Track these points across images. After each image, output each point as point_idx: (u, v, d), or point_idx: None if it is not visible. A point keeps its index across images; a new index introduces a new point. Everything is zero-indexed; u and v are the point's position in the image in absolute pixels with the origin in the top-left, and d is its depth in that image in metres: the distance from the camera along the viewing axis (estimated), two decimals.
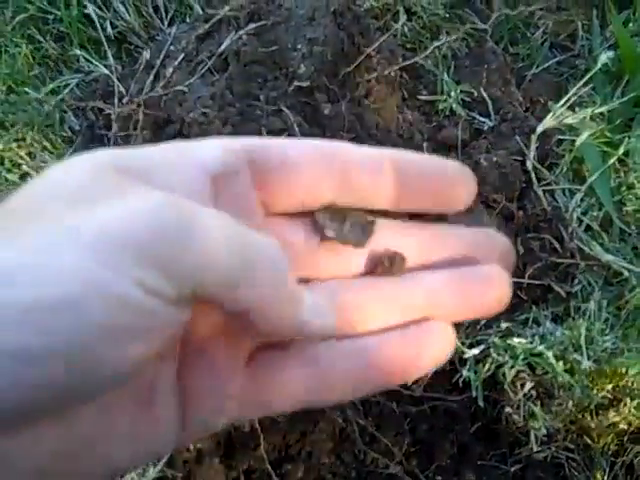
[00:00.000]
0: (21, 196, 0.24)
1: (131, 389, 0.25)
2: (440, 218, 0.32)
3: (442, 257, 0.30)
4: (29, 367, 0.20)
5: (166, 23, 1.00)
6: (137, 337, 0.22)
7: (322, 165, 0.29)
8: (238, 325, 0.27)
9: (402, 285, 0.30)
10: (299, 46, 0.83)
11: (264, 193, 0.29)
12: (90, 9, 0.95)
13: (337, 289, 0.29)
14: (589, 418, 0.75)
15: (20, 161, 0.86)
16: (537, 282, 0.81)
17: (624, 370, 0.74)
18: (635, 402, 0.74)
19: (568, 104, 0.87)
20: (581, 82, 0.89)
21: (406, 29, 0.97)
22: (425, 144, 0.88)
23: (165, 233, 0.22)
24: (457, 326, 0.80)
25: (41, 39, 0.97)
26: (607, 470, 0.76)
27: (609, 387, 0.75)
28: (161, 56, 0.88)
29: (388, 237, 0.30)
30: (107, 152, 0.26)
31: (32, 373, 0.20)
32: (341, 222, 0.29)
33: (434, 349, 0.29)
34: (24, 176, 0.84)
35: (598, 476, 0.75)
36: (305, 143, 0.30)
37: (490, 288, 0.29)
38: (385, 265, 0.30)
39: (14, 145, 0.87)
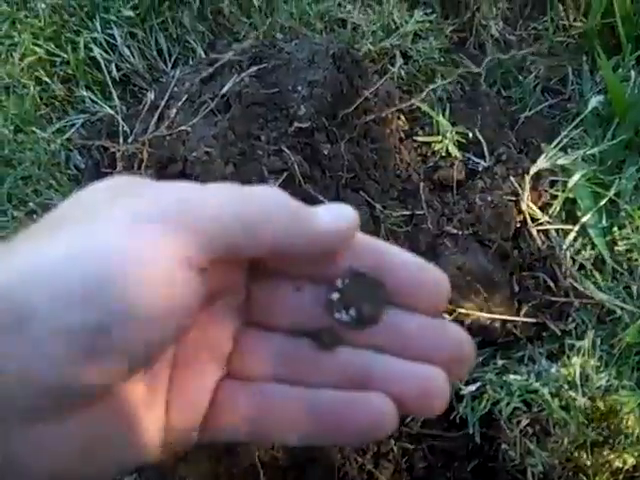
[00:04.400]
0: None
1: (138, 396, 0.28)
2: None
3: (393, 340, 0.30)
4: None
5: (169, 66, 1.03)
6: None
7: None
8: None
9: (340, 356, 0.31)
10: (299, 88, 0.85)
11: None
12: (96, 52, 0.98)
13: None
14: (585, 456, 0.76)
15: (27, 198, 0.88)
16: (532, 320, 0.82)
17: (619, 407, 0.75)
18: (629, 440, 0.75)
19: (560, 146, 0.90)
20: (572, 124, 0.92)
21: (402, 72, 1.00)
22: (422, 184, 0.90)
23: (188, 205, 0.27)
24: None
25: (48, 81, 0.99)
26: None
27: (604, 424, 0.75)
28: (165, 97, 0.90)
29: None
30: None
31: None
32: (355, 305, 0.30)
33: (375, 417, 0.29)
34: (30, 213, 0.86)
35: None
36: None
37: (424, 393, 0.29)
38: (318, 339, 0.31)
39: (21, 183, 0.89)
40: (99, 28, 1.01)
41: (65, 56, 1.00)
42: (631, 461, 0.76)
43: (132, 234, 0.25)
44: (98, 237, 0.25)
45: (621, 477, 0.76)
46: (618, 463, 0.75)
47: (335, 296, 0.31)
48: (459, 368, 0.30)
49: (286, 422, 0.30)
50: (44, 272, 0.24)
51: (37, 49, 1.00)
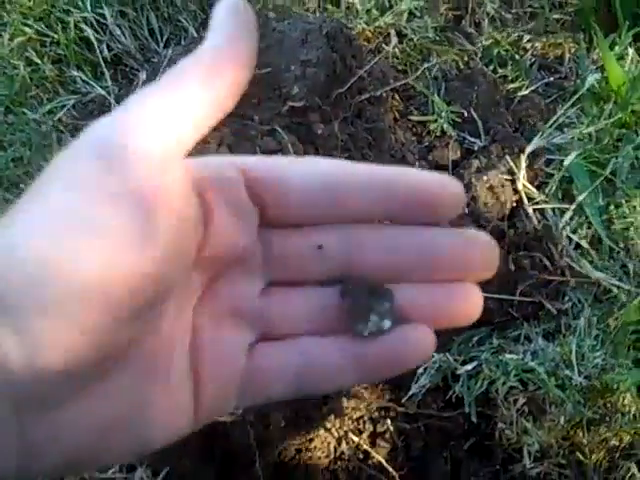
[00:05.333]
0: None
1: (151, 370, 0.28)
2: None
3: (419, 264, 0.31)
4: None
5: (161, 45, 1.02)
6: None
7: (312, 179, 0.31)
8: None
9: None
10: (292, 68, 0.84)
11: (256, 200, 0.30)
12: (87, 32, 0.97)
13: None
14: (581, 434, 0.76)
15: (18, 180, 0.87)
16: (528, 299, 0.82)
17: (615, 386, 0.75)
18: (626, 418, 0.75)
19: (557, 125, 0.89)
20: (569, 103, 0.91)
21: (397, 51, 0.99)
22: (417, 164, 0.89)
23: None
24: (449, 342, 0.81)
25: (38, 61, 0.98)
26: None
27: (600, 403, 0.76)
28: (157, 78, 0.89)
29: (365, 239, 0.31)
30: None
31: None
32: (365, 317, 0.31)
33: (417, 348, 0.30)
34: (22, 195, 0.85)
35: None
36: (295, 161, 0.32)
37: (459, 309, 0.31)
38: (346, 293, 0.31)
39: (12, 165, 0.88)
40: (89, 7, 0.99)
41: (55, 36, 0.99)
42: (627, 439, 0.76)
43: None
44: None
45: (617, 455, 0.77)
46: (614, 441, 0.76)
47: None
48: (486, 271, 0.31)
49: (333, 372, 0.30)
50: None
51: (27, 29, 0.99)
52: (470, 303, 0.31)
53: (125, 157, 0.25)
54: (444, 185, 0.31)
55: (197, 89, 0.26)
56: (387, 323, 0.30)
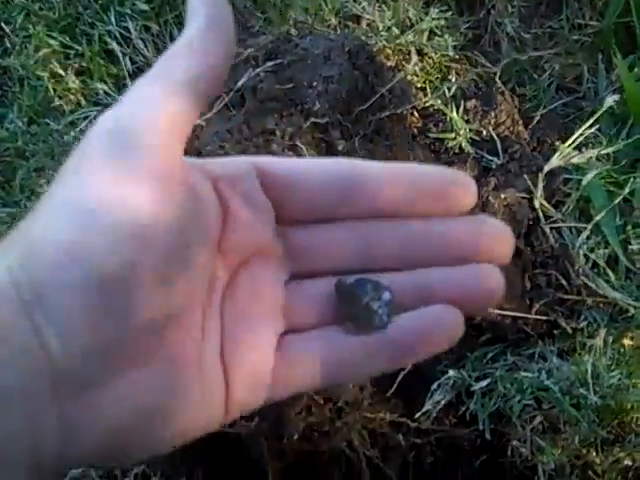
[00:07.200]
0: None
1: (182, 359, 0.28)
2: None
3: (435, 253, 0.32)
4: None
5: None
6: None
7: (326, 176, 0.32)
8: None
9: (394, 282, 0.32)
10: (315, 84, 0.85)
11: (272, 196, 0.32)
12: (111, 45, 0.99)
13: None
14: (594, 454, 0.76)
15: (40, 190, 0.88)
16: (543, 317, 0.82)
17: (629, 406, 0.75)
18: (639, 439, 0.75)
19: (575, 144, 0.90)
20: (587, 123, 0.91)
21: (417, 69, 1.00)
22: None
23: None
24: (463, 359, 0.80)
25: (62, 73, 1.00)
26: None
27: (614, 423, 0.75)
28: None
29: (378, 231, 0.32)
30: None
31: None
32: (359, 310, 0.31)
33: (445, 328, 0.31)
34: None
35: None
36: (309, 160, 0.33)
37: (482, 287, 0.31)
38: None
39: (34, 175, 0.89)
40: (114, 21, 1.01)
41: (79, 49, 1.01)
42: None
43: None
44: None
45: (630, 475, 0.76)
46: (628, 462, 0.75)
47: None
48: (502, 252, 0.32)
49: (363, 360, 0.31)
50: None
51: (51, 41, 1.01)
52: (491, 281, 0.31)
53: (133, 140, 0.26)
54: (455, 178, 0.32)
55: (183, 73, 0.27)
56: (378, 319, 0.31)
